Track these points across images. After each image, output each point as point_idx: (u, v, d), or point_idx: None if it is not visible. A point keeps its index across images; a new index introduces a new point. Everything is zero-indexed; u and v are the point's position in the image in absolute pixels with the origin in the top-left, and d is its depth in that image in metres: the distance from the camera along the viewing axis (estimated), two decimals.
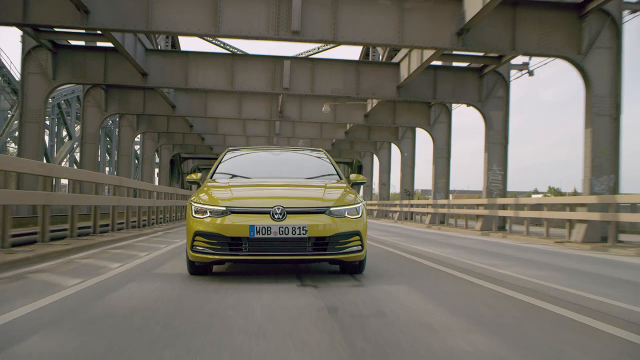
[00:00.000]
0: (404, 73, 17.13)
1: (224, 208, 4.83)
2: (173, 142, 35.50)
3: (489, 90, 18.41)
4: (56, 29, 15.54)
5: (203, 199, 5.03)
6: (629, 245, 10.97)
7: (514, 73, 18.92)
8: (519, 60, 18.25)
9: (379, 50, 22.95)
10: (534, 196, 54.38)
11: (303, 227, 4.73)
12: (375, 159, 36.76)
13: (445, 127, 23.91)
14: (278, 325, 3.22)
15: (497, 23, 12.42)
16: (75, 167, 41.14)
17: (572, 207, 12.94)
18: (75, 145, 43.00)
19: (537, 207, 14.80)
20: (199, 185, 5.89)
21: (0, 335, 2.90)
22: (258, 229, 4.68)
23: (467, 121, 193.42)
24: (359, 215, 5.07)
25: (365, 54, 20.12)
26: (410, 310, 3.75)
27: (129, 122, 27.60)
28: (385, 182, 35.09)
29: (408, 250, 9.03)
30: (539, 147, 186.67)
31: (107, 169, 47.34)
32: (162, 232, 12.45)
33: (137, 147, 40.35)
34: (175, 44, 20.00)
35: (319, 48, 26.56)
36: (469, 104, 18.82)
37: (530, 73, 18.80)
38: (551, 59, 14.73)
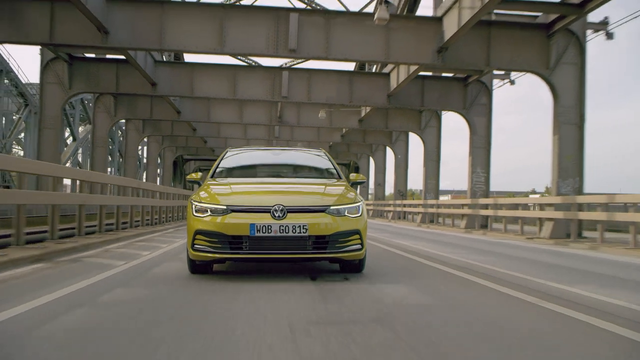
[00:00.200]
0: (393, 83, 18.56)
1: (225, 207, 4.88)
2: (176, 145, 36.94)
3: (473, 98, 19.85)
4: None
5: (204, 198, 5.09)
6: (587, 241, 12.40)
7: (496, 82, 20.38)
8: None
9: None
10: (531, 196, 55.85)
11: (303, 226, 4.77)
12: (371, 160, 38.21)
13: (435, 131, 25.34)
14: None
15: (474, 41, 13.86)
16: (78, 168, 42.55)
17: (542, 206, 14.38)
18: (78, 147, 44.43)
19: (514, 206, 16.24)
20: (199, 185, 5.94)
21: (94, 289, 4.33)
22: (258, 227, 4.73)
23: (463, 123, 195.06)
24: (359, 214, 5.13)
25: (360, 66, 21.55)
26: (366, 279, 5.18)
27: (135, 126, 29.01)
28: (380, 183, 36.50)
29: (389, 244, 10.46)
30: (538, 148, 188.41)
31: (108, 169, 48.73)
32: (173, 229, 13.88)
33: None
34: (179, 57, 21.40)
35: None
36: (454, 111, 20.26)
37: (512, 82, 20.26)
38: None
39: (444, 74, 20.35)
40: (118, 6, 13.20)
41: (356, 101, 19.61)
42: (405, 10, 15.32)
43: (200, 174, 6.23)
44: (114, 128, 45.44)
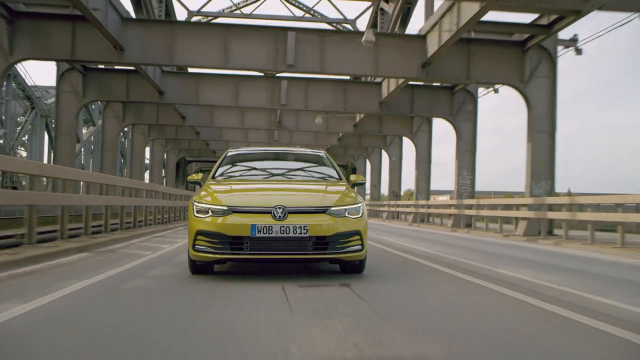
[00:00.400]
0: (384, 92, 19.98)
1: (226, 207, 4.91)
2: (179, 147, 38.38)
3: (460, 106, 21.27)
4: None
5: (205, 199, 5.13)
6: (554, 238, 13.81)
7: (481, 90, 21.79)
8: None
9: None
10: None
11: (304, 227, 4.80)
12: (368, 162, 39.62)
13: (426, 135, 26.76)
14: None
15: (455, 57, 15.27)
16: (81, 169, 43.88)
17: (517, 207, 15.81)
18: (81, 149, 45.78)
19: (493, 207, 17.65)
20: (200, 186, 6.01)
21: (139, 269, 5.73)
22: (259, 228, 4.76)
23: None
24: (359, 215, 5.16)
25: (354, 76, 23.00)
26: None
27: (141, 130, 30.41)
28: (376, 184, 37.93)
29: (376, 240, 11.87)
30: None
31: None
32: (182, 228, 15.29)
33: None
34: (183, 67, 22.68)
35: None
36: (441, 118, 21.68)
37: (496, 91, 21.67)
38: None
39: (432, 83, 21.75)
40: (132, 26, 14.63)
41: (350, 108, 21.04)
42: (399, 23, 16.56)
43: (201, 174, 6.28)
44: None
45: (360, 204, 5.23)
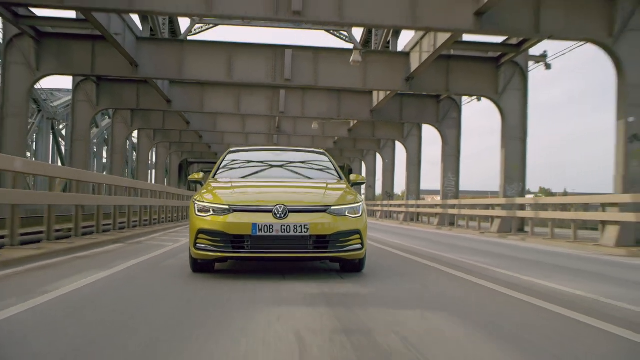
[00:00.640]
0: (375, 100, 21.67)
1: (227, 206, 4.96)
2: (182, 150, 40.10)
3: (445, 113, 22.95)
4: (37, 13, 15.06)
5: (206, 198, 5.18)
6: (523, 235, 15.49)
7: (465, 99, 23.47)
8: None
9: None
10: (526, 196, 59.13)
11: (304, 226, 4.85)
12: (363, 164, 41.34)
13: (417, 139, 28.46)
14: None
15: (436, 71, 16.98)
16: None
17: (493, 206, 17.51)
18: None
19: (472, 207, 19.35)
20: (201, 185, 6.06)
21: (169, 254, 7.40)
22: (260, 227, 4.81)
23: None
24: (359, 215, 5.22)
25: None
26: None
27: (147, 134, 32.13)
28: (371, 185, 39.62)
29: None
30: (536, 148, 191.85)
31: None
32: None
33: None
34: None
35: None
36: (428, 124, 23.39)
37: (479, 99, 23.35)
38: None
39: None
40: (146, 45, 16.33)
41: (344, 115, 22.74)
42: (390, 38, 18.22)
43: (202, 174, 6.35)
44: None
45: (360, 204, 5.32)
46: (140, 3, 10.73)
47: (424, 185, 28.95)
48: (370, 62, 16.87)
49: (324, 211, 5.03)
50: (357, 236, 5.14)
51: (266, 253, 4.92)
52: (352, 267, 5.58)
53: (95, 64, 16.36)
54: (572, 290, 4.94)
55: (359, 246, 5.17)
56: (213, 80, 16.75)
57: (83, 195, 8.69)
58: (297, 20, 10.96)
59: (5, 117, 15.78)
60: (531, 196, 57.82)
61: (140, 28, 17.51)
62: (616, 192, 11.75)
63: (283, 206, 4.90)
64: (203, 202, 5.12)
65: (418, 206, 25.75)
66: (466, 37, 14.62)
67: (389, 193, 34.35)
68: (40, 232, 7.81)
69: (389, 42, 20.31)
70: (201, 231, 4.98)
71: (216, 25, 28.08)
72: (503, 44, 15.86)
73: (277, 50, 16.57)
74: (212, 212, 4.99)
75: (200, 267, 5.35)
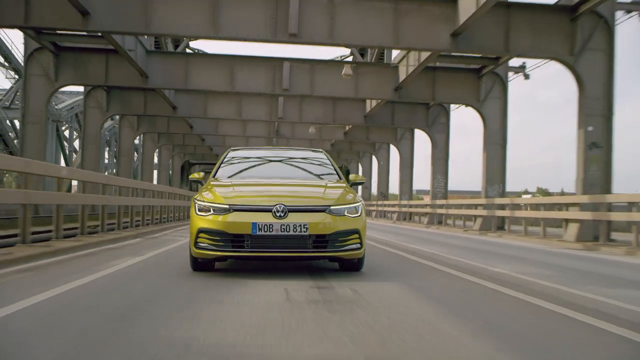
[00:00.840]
0: (368, 106, 23.09)
1: (227, 206, 5.01)
2: (185, 152, 41.56)
3: (434, 118, 24.38)
4: (58, 32, 16.02)
5: (206, 197, 5.22)
6: (501, 232, 16.93)
7: (454, 105, 24.88)
8: None
9: None
10: (524, 196, 60.72)
11: (304, 225, 4.90)
12: (360, 165, 42.78)
13: (409, 142, 29.90)
14: None
15: (422, 82, 18.40)
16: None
17: (475, 206, 18.93)
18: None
19: (458, 206, 20.77)
20: (201, 184, 6.13)
21: (183, 247, 8.81)
22: (260, 226, 4.86)
23: (456, 128, 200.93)
24: (358, 214, 5.26)
25: None
26: None
27: (152, 137, 33.55)
28: (367, 185, 41.07)
29: None
30: (535, 148, 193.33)
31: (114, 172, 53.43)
32: None
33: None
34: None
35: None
36: (419, 129, 24.82)
37: (466, 105, 24.76)
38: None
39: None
40: (154, 57, 17.76)
41: (339, 120, 24.19)
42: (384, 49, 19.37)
43: (202, 173, 6.40)
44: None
45: (359, 203, 5.37)
46: (155, 27, 12.13)
47: (422, 185, 30.49)
48: (362, 74, 18.30)
49: (324, 211, 5.08)
50: (356, 236, 5.18)
51: (266, 252, 4.98)
52: (351, 266, 5.61)
53: (108, 75, 17.79)
54: (499, 270, 6.39)
55: (357, 245, 5.22)
56: (216, 89, 18.19)
57: (109, 197, 10.12)
58: (293, 41, 12.37)
59: (26, 124, 17.21)
60: (529, 196, 59.37)
61: (146, 37, 18.93)
62: (577, 194, 13.17)
63: (283, 206, 4.96)
64: (203, 201, 5.18)
65: (410, 206, 27.18)
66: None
67: (383, 193, 35.77)
68: (75, 228, 9.22)
69: (383, 53, 21.77)
70: (201, 230, 5.05)
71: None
72: (483, 57, 17.28)
73: (276, 62, 17.99)
74: (212, 212, 5.06)
75: (201, 265, 5.43)
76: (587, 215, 11.99)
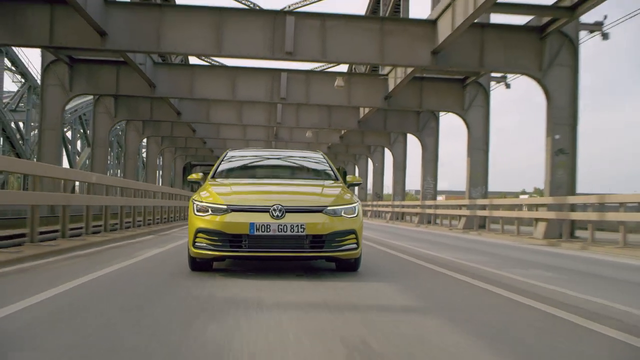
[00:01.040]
0: (361, 113, 24.53)
1: (225, 206, 5.06)
2: (187, 154, 43.00)
3: (424, 123, 25.81)
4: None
5: (205, 198, 5.26)
6: (481, 230, 18.34)
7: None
8: None
9: None
10: (521, 197, 62.17)
11: (301, 225, 4.94)
12: (356, 167, 44.21)
13: (402, 145, 31.30)
14: None
15: (410, 91, 19.81)
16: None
17: (460, 207, 20.35)
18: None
19: (445, 207, 22.19)
20: (200, 185, 6.14)
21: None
22: (258, 226, 4.90)
23: (453, 130, 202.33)
24: (355, 215, 5.31)
25: None
26: None
27: (155, 140, 35.00)
28: (363, 186, 42.49)
29: None
30: (533, 148, 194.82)
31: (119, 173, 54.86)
32: None
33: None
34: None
35: None
36: (410, 133, 26.26)
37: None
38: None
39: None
40: (160, 68, 19.17)
41: (334, 125, 25.64)
42: None
43: (200, 174, 6.47)
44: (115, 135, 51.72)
45: (355, 204, 5.41)
46: (166, 46, 13.54)
47: (417, 186, 31.87)
48: (354, 83, 19.74)
49: (321, 211, 5.12)
50: (353, 236, 5.24)
51: (263, 252, 5.04)
52: (348, 267, 5.65)
53: (119, 85, 19.22)
54: (451, 257, 7.85)
55: (354, 246, 5.27)
56: (219, 98, 19.62)
57: (127, 198, 11.54)
58: (289, 59, 13.81)
59: (44, 131, 18.64)
60: (526, 196, 60.89)
61: None
62: (545, 195, 14.60)
63: (280, 206, 5.01)
64: (202, 201, 5.22)
65: (402, 206, 28.60)
66: None
67: (378, 194, 37.18)
68: (100, 225, 10.63)
69: (377, 65, 23.08)
70: (200, 230, 5.10)
71: None
72: (469, 71, 18.71)
73: (274, 73, 19.41)
74: (210, 212, 5.09)
75: (199, 265, 5.47)
76: (551, 215, 13.40)
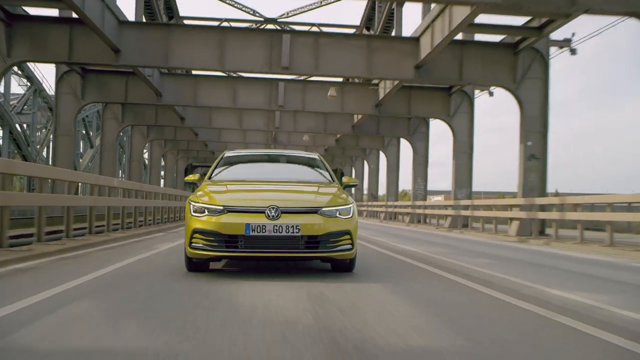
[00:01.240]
0: (355, 118, 25.95)
1: (221, 207, 5.10)
2: (189, 156, 44.45)
3: (415, 128, 27.23)
4: None
5: (201, 199, 5.30)
6: (464, 229, 19.73)
7: None
8: None
9: None
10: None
11: (296, 226, 4.99)
12: (353, 168, 45.63)
13: (395, 148, 32.74)
14: None
15: (399, 99, 21.23)
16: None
17: (446, 207, 21.76)
18: (95, 154, 51.62)
19: (432, 207, 23.61)
20: (197, 186, 6.15)
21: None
22: (253, 227, 4.96)
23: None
24: (350, 216, 5.35)
25: None
26: None
27: (159, 143, 36.40)
28: (359, 187, 43.87)
29: None
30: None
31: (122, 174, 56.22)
32: None
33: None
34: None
35: None
36: (402, 137, 27.69)
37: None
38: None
39: None
40: (167, 79, 20.58)
41: (330, 130, 27.08)
42: None
43: (197, 175, 6.49)
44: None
45: (350, 205, 5.45)
46: (173, 61, 14.96)
47: (410, 187, 33.31)
48: (347, 92, 21.16)
49: (316, 212, 5.18)
50: (348, 237, 5.29)
51: (259, 252, 5.10)
52: (343, 267, 5.70)
53: (128, 93, 20.62)
54: (420, 250, 9.24)
55: (349, 246, 5.32)
56: (220, 105, 21.05)
57: (142, 200, 12.96)
58: (286, 73, 15.27)
59: (58, 136, 20.04)
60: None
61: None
62: (518, 197, 16.01)
63: (276, 207, 5.05)
64: (198, 202, 5.28)
65: (395, 207, 30.01)
66: None
67: (373, 194, 38.59)
68: (118, 224, 12.03)
69: None
70: (196, 231, 5.15)
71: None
72: (452, 86, 20.14)
73: (272, 83, 20.82)
74: (207, 213, 5.15)
75: (195, 266, 5.52)
76: (523, 215, 14.81)
